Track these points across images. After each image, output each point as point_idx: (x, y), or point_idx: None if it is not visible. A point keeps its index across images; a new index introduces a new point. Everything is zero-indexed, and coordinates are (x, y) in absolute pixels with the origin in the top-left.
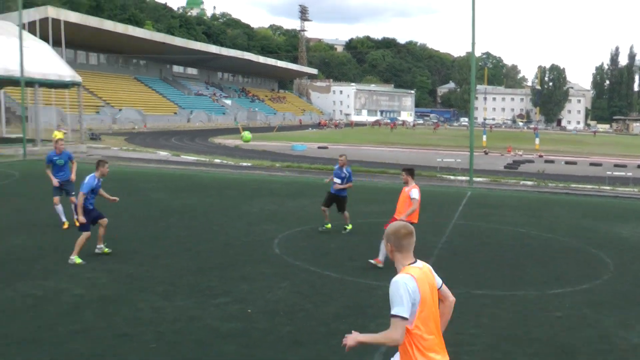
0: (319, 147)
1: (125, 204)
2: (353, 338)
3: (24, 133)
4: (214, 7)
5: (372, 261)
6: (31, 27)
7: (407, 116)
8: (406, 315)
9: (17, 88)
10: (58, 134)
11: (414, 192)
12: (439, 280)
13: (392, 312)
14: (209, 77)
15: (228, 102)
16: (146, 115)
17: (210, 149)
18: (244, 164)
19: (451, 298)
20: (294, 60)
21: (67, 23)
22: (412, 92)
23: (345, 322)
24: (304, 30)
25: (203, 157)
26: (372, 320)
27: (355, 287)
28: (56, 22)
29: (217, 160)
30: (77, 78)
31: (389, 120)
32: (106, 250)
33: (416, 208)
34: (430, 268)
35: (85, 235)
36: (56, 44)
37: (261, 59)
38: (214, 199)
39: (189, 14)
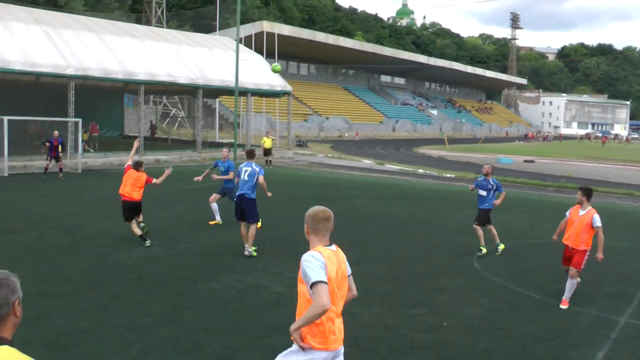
0: (525, 161)
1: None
2: (294, 335)
3: (235, 138)
4: (424, 17)
5: (562, 307)
6: (247, 41)
7: (620, 129)
8: (325, 279)
9: (231, 97)
10: (266, 140)
11: (597, 219)
12: (349, 269)
13: (312, 281)
14: (416, 87)
15: (434, 112)
16: (352, 124)
17: (414, 159)
18: (448, 175)
19: (354, 292)
20: (503, 70)
21: (280, 36)
22: (627, 103)
23: (543, 345)
24: (514, 39)
25: (407, 166)
26: (572, 348)
27: (556, 311)
28: (270, 35)
29: (421, 171)
30: (288, 88)
31: (600, 134)
32: (254, 253)
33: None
34: (344, 256)
35: (256, 225)
36: (270, 55)
37: (469, 69)
38: (415, 209)
39: (399, 24)
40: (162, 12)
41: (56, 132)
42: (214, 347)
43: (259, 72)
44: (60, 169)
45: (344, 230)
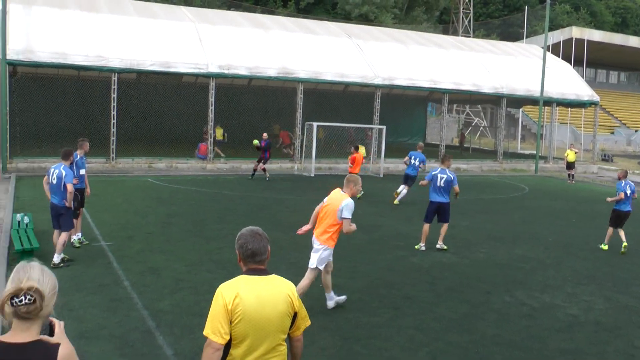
0: None
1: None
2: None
3: (537, 150)
4: None
5: None
6: (555, 48)
7: None
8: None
9: (535, 107)
10: (570, 153)
11: None
12: (339, 210)
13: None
14: None
15: None
16: None
17: None
18: None
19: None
20: None
21: (590, 42)
22: None
23: None
24: None
25: None
26: None
27: None
28: (579, 41)
29: None
30: (595, 97)
31: None
32: (445, 247)
33: None
34: (343, 200)
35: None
36: (577, 63)
37: None
38: None
39: None
40: (469, 21)
41: (265, 134)
42: None
43: (566, 81)
44: (263, 170)
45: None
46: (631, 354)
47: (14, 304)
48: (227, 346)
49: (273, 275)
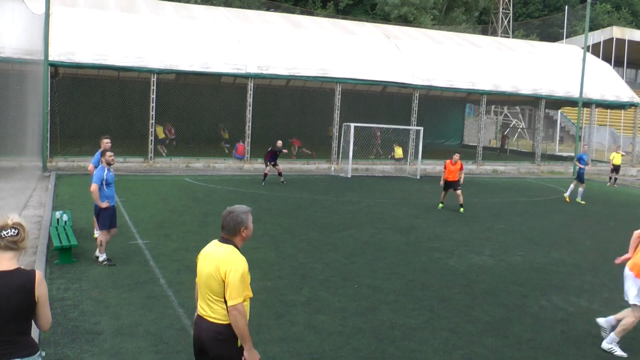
0: None
1: None
2: None
3: (576, 152)
4: None
5: None
6: (595, 49)
7: None
8: None
9: (574, 108)
10: (616, 156)
11: None
12: None
13: None
14: None
15: None
16: None
17: None
18: None
19: None
20: None
21: (631, 42)
22: None
23: None
24: None
25: None
26: None
27: None
28: (620, 42)
29: None
30: (635, 99)
31: None
32: None
33: None
34: None
35: None
36: (618, 64)
37: None
38: None
39: None
40: (508, 22)
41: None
42: None
43: (606, 82)
44: (279, 173)
45: None
46: None
47: (3, 236)
48: None
49: (230, 246)
